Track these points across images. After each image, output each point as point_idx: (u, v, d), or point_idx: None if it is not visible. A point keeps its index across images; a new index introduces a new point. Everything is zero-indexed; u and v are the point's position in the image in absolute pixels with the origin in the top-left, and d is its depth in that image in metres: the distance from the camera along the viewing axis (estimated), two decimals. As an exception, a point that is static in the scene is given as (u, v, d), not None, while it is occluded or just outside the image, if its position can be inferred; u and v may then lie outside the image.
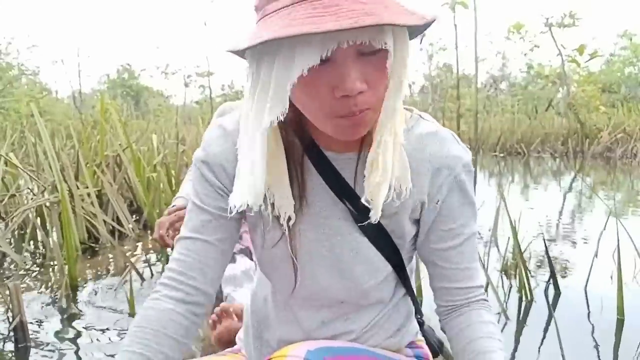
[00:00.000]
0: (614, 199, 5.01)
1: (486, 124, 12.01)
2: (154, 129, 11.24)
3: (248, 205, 0.71)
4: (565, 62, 10.54)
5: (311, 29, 0.55)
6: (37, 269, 2.84)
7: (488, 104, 19.23)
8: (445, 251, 0.80)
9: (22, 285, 2.54)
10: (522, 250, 2.25)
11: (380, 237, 0.79)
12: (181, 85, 26.16)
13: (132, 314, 2.10)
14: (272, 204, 0.75)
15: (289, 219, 0.76)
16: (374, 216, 0.72)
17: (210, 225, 0.80)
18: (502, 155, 9.97)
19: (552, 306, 2.18)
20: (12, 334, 1.86)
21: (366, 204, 0.72)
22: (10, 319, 1.89)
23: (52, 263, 2.91)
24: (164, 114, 22.39)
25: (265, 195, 0.72)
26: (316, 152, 0.77)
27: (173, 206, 1.87)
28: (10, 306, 1.87)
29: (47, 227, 3.27)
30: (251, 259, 1.74)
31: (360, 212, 0.76)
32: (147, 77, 25.60)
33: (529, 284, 2.17)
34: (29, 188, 3.66)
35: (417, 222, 0.82)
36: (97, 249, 3.17)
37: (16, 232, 3.38)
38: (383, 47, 0.61)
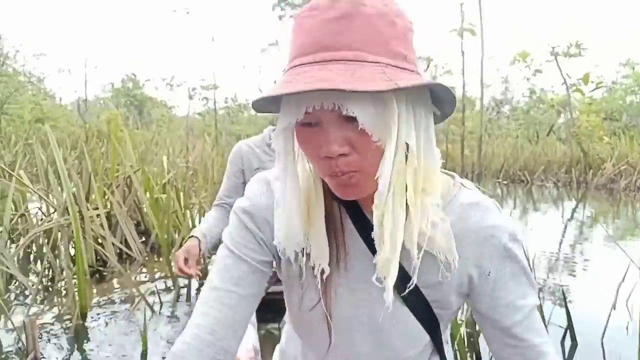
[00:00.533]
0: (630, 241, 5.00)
1: (489, 149, 12.03)
2: (157, 140, 11.27)
3: (286, 252, 0.71)
4: (570, 92, 10.58)
5: (269, 93, 0.60)
6: (45, 292, 2.81)
7: (490, 127, 19.29)
8: (512, 328, 0.75)
9: (32, 308, 2.51)
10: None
11: (421, 308, 0.77)
12: (184, 96, 26.28)
13: (145, 352, 2.07)
14: (309, 254, 0.73)
15: (323, 271, 0.74)
16: (387, 299, 0.67)
17: (248, 278, 0.77)
18: (505, 182, 9.97)
19: (569, 358, 2.16)
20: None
21: (377, 283, 0.67)
22: (24, 351, 1.87)
23: (60, 286, 2.88)
24: (166, 124, 22.44)
25: (303, 246, 0.72)
26: (357, 212, 0.75)
27: (190, 237, 1.85)
28: (24, 340, 1.84)
29: (56, 249, 3.24)
30: None
31: (401, 280, 0.72)
32: (152, 87, 25.62)
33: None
34: (38, 207, 3.63)
35: (465, 295, 0.79)
36: (105, 273, 3.13)
37: (21, 251, 3.35)
38: (347, 114, 0.60)
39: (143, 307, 2.52)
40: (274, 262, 0.82)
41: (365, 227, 0.75)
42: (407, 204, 0.66)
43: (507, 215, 0.75)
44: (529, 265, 0.77)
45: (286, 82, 0.60)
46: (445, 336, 0.87)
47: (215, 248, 1.88)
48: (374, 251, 0.71)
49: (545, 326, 2.07)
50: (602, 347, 2.22)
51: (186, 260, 1.72)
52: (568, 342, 2.25)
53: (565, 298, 2.27)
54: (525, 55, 9.37)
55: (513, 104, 23.64)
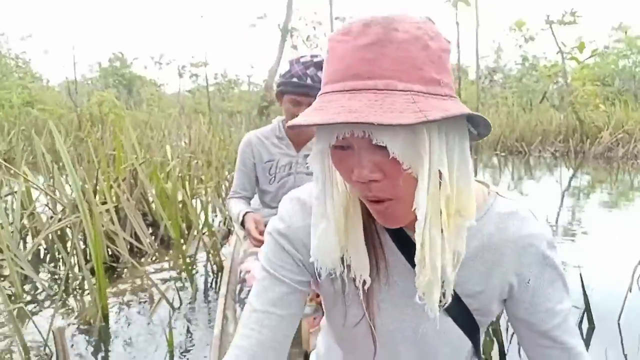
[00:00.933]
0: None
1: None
2: (151, 122, 11.15)
3: (326, 269, 0.73)
4: (564, 59, 10.54)
5: (301, 122, 0.61)
6: (59, 291, 2.80)
7: (483, 95, 19.23)
8: (549, 332, 0.79)
9: (48, 309, 2.52)
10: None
11: (463, 316, 0.80)
12: (174, 74, 25.94)
13: (171, 352, 2.09)
14: (349, 267, 0.75)
15: (364, 283, 0.75)
16: (432, 315, 0.70)
17: (287, 298, 0.79)
18: (502, 154, 10.00)
19: (586, 341, 2.21)
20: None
21: (419, 301, 0.70)
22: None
23: (75, 286, 2.88)
24: (156, 103, 22.19)
25: (343, 259, 0.74)
26: (396, 229, 0.75)
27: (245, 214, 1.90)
28: (54, 350, 1.85)
29: (67, 247, 3.23)
30: None
31: (443, 293, 0.73)
32: (140, 66, 25.25)
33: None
34: (45, 204, 3.61)
35: (503, 302, 0.81)
36: (118, 268, 3.13)
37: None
38: (377, 143, 0.61)
39: (162, 303, 2.54)
40: (312, 282, 0.83)
41: (405, 244, 0.77)
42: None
43: (543, 222, 0.77)
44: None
45: (317, 110, 0.61)
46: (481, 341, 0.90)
47: None
48: (414, 265, 0.70)
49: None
50: (619, 328, 2.26)
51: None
52: (585, 325, 2.30)
53: (582, 280, 2.30)
54: (521, 25, 9.29)
55: (505, 72, 23.54)
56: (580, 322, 2.31)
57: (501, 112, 13.79)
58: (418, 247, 0.67)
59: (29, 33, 23.25)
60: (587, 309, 2.29)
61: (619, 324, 2.29)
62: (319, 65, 1.93)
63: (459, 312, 0.79)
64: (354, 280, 0.76)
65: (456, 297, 0.76)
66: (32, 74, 21.29)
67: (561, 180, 7.14)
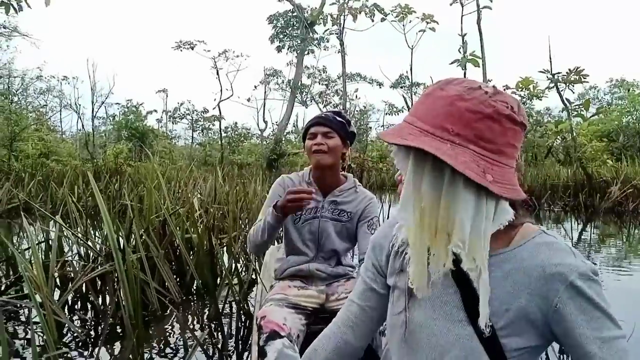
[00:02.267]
0: None
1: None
2: (165, 173, 11.35)
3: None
4: (570, 116, 10.78)
5: (383, 135, 0.89)
6: (98, 338, 2.86)
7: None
8: (588, 357, 0.83)
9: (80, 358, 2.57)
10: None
11: (490, 342, 0.86)
12: (184, 127, 26.53)
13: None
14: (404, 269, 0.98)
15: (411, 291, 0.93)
16: (420, 294, 0.91)
17: (365, 294, 1.10)
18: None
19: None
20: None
21: (410, 285, 0.92)
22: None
23: (108, 334, 2.94)
24: (168, 155, 22.60)
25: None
26: None
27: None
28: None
29: (99, 295, 3.31)
30: (281, 337, 1.74)
31: (472, 303, 0.87)
32: (153, 119, 25.88)
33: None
34: (77, 254, 3.71)
35: (539, 330, 0.87)
36: (147, 317, 3.19)
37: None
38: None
39: (196, 352, 2.59)
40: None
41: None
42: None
43: (583, 258, 0.85)
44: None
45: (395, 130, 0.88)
46: None
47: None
48: (453, 276, 0.90)
49: None
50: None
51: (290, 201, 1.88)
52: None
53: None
54: (528, 83, 9.57)
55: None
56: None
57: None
58: (410, 244, 0.88)
59: (49, 86, 23.94)
60: None
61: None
62: (336, 113, 2.15)
63: (488, 336, 0.86)
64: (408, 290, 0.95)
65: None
66: (48, 126, 21.89)
67: (572, 234, 7.19)
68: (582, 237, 6.97)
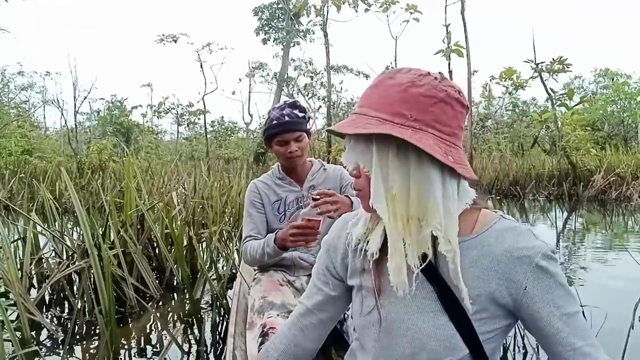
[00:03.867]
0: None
1: (478, 164, 12.24)
2: (150, 168, 11.25)
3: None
4: (555, 106, 10.83)
5: (334, 128, 0.90)
6: (68, 336, 2.81)
7: (475, 141, 19.60)
8: (555, 335, 0.86)
9: (54, 356, 2.53)
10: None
11: (460, 318, 0.88)
12: (170, 122, 26.33)
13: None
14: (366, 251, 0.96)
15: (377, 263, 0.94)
16: (400, 292, 0.88)
17: (315, 297, 1.09)
18: (497, 197, 10.14)
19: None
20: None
21: (391, 279, 0.88)
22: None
23: (84, 329, 2.89)
24: (154, 151, 22.41)
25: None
26: None
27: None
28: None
29: (75, 292, 3.26)
30: None
31: (445, 292, 0.88)
32: (138, 114, 25.63)
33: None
34: (53, 251, 3.64)
35: (508, 311, 0.90)
36: (126, 313, 3.15)
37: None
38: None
39: (172, 347, 2.56)
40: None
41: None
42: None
43: (542, 240, 0.88)
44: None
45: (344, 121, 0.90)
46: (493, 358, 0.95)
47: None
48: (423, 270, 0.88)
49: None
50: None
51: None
52: None
53: (585, 317, 2.35)
54: (511, 73, 9.59)
55: (497, 118, 24.05)
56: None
57: (494, 157, 14.04)
58: (388, 236, 0.87)
59: (30, 82, 23.58)
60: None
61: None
62: (292, 105, 2.12)
63: (457, 313, 0.88)
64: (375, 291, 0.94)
65: (454, 299, 0.87)
66: (31, 122, 21.60)
67: (556, 223, 7.24)
68: (567, 225, 7.03)
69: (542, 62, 10.33)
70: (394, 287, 0.88)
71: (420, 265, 0.85)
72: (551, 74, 10.29)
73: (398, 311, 0.92)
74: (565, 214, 8.21)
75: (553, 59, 10.30)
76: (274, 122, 2.07)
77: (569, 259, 4.76)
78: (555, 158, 11.83)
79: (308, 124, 2.16)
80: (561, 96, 10.85)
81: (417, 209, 0.84)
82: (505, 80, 9.69)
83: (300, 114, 2.09)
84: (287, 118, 2.06)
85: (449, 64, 9.30)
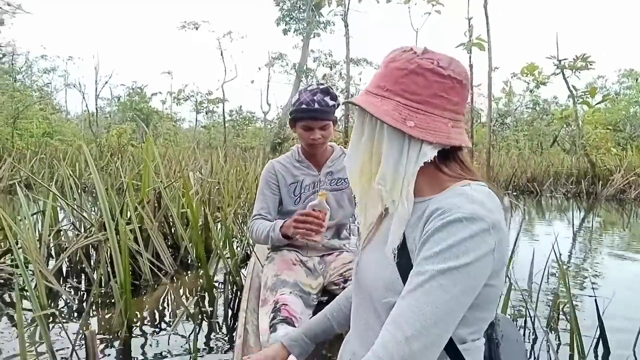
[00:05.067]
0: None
1: (496, 160, 12.14)
2: (168, 154, 11.38)
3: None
4: (576, 104, 10.68)
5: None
6: (86, 304, 2.88)
7: (494, 138, 19.42)
8: (404, 291, 0.85)
9: (72, 323, 2.59)
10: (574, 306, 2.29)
11: (403, 265, 0.91)
12: (189, 110, 26.50)
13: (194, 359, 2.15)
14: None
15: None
16: (365, 232, 1.05)
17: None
18: (514, 193, 10.05)
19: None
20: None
21: (357, 220, 1.02)
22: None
23: (100, 301, 2.96)
24: (172, 138, 22.61)
25: None
26: None
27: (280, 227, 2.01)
28: (84, 352, 1.92)
29: (91, 264, 3.33)
30: (293, 326, 1.79)
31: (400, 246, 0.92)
32: (158, 101, 25.82)
33: (581, 343, 2.22)
34: (72, 224, 3.72)
35: None
36: (140, 286, 3.21)
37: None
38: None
39: (183, 319, 2.61)
40: None
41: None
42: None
43: (479, 206, 0.84)
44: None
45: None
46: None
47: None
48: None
49: (580, 337, 2.15)
50: (635, 356, 2.29)
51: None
52: (600, 350, 2.33)
53: (597, 307, 2.34)
54: (533, 69, 9.46)
55: (516, 116, 23.77)
56: (596, 347, 2.34)
57: (512, 154, 13.89)
58: (356, 191, 1.01)
59: (53, 66, 23.90)
60: (602, 335, 2.32)
61: (634, 351, 2.31)
62: (325, 91, 2.08)
63: (407, 266, 0.89)
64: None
65: (405, 251, 0.91)
66: (52, 106, 21.91)
67: (573, 220, 7.16)
68: (585, 223, 6.95)
69: (565, 59, 10.19)
70: (361, 232, 1.05)
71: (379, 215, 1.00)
72: (574, 71, 10.14)
73: (365, 258, 1.02)
74: (583, 212, 8.11)
75: (576, 56, 10.15)
76: (303, 105, 2.04)
77: (585, 254, 4.72)
78: (575, 157, 11.67)
79: (336, 112, 2.14)
80: (583, 94, 10.69)
81: (375, 168, 0.94)
82: (526, 76, 9.56)
83: (331, 102, 2.06)
84: (316, 105, 2.03)
85: (470, 58, 9.21)
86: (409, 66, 0.92)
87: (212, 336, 2.49)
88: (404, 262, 0.90)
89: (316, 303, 2.04)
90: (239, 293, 3.05)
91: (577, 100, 10.63)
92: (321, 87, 2.09)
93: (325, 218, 1.81)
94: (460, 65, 0.95)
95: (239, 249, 4.05)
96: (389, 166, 0.92)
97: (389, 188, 0.92)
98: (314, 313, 1.96)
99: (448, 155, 0.94)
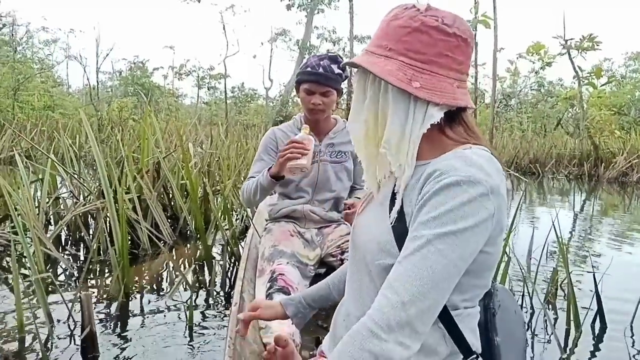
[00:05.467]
0: None
1: (499, 141, 12.08)
2: (169, 129, 11.33)
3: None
4: (581, 85, 10.58)
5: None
6: (84, 271, 2.88)
7: (497, 119, 19.31)
8: (401, 256, 0.82)
9: (69, 290, 2.60)
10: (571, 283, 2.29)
11: (399, 228, 0.88)
12: (191, 85, 26.30)
13: (190, 327, 2.15)
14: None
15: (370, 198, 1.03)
16: (372, 188, 1.00)
17: None
18: (516, 174, 10.02)
19: (598, 339, 2.23)
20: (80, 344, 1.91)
21: (363, 180, 1.01)
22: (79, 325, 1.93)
23: (98, 267, 2.96)
24: (174, 113, 22.49)
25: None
26: None
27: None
28: (80, 316, 1.92)
29: (90, 233, 3.32)
30: (288, 294, 1.78)
31: (393, 203, 0.92)
32: (160, 76, 25.66)
33: (578, 318, 2.22)
34: (70, 192, 3.71)
35: None
36: (139, 255, 3.21)
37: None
38: None
39: (181, 287, 2.62)
40: None
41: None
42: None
43: (478, 169, 0.81)
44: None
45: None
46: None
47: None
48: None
49: (577, 312, 2.15)
50: (632, 331, 2.29)
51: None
52: (597, 325, 2.33)
53: (595, 282, 2.33)
54: (539, 48, 9.35)
55: (521, 97, 23.61)
56: (593, 321, 2.34)
57: (515, 136, 13.83)
58: (361, 155, 0.97)
59: (55, 38, 23.67)
60: (600, 310, 2.32)
61: (631, 326, 2.31)
62: (333, 59, 2.04)
63: (401, 229, 0.87)
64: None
65: (401, 214, 0.88)
66: (54, 79, 21.78)
67: (574, 201, 7.15)
68: (586, 205, 6.93)
69: (571, 39, 10.06)
70: (371, 192, 1.01)
71: (384, 177, 0.95)
72: (580, 51, 10.02)
73: (364, 218, 1.01)
74: (585, 194, 8.09)
75: (583, 36, 10.02)
76: (308, 69, 2.03)
77: (585, 234, 4.71)
78: (578, 139, 11.61)
79: (343, 83, 2.10)
80: (589, 75, 10.59)
81: (381, 133, 0.90)
82: (532, 55, 9.45)
83: (337, 70, 2.03)
84: (321, 70, 2.01)
85: (475, 36, 9.09)
86: (412, 24, 0.87)
87: (209, 304, 2.50)
88: (399, 225, 0.88)
89: (313, 274, 2.04)
90: (236, 263, 3.05)
91: (583, 81, 10.52)
92: (330, 54, 2.07)
93: (310, 144, 1.77)
94: (464, 22, 0.90)
95: (237, 221, 4.04)
96: (395, 129, 0.88)
97: (394, 152, 0.89)
98: (311, 284, 1.96)
99: (453, 117, 0.91)
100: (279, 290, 1.78)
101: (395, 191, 0.93)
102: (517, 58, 20.17)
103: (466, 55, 0.91)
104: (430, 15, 0.88)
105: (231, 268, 3.05)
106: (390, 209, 0.92)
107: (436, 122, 0.87)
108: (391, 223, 0.89)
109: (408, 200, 0.89)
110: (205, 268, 3.03)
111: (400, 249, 0.86)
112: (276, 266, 1.91)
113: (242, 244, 3.27)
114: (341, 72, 2.06)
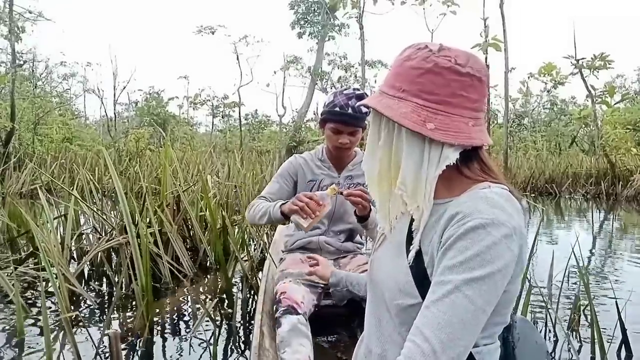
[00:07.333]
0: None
1: (514, 161, 12.03)
2: (185, 158, 11.48)
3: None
4: (595, 104, 10.54)
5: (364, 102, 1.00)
6: (109, 306, 2.92)
7: (510, 139, 19.23)
8: (428, 300, 0.83)
9: (93, 326, 2.64)
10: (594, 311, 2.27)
11: (418, 267, 0.90)
12: (205, 114, 26.72)
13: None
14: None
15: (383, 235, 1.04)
16: (387, 229, 1.02)
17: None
18: (532, 195, 9.95)
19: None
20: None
21: (377, 220, 1.04)
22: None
23: (120, 303, 3.00)
24: (189, 142, 22.76)
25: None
26: None
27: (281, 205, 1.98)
28: (108, 354, 1.95)
29: (113, 267, 3.38)
30: (297, 313, 1.78)
31: (410, 242, 0.93)
32: (174, 106, 26.09)
33: (603, 346, 2.20)
34: (93, 227, 3.78)
35: None
36: (161, 289, 3.25)
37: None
38: None
39: (204, 321, 2.65)
40: None
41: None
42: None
43: (500, 210, 0.82)
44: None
45: None
46: None
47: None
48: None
49: (601, 340, 2.13)
50: (658, 358, 2.26)
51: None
52: (623, 353, 2.31)
53: (619, 310, 2.32)
54: (551, 69, 9.37)
55: (534, 116, 23.53)
56: (619, 350, 2.32)
57: (530, 155, 13.76)
58: (371, 192, 1.00)
59: (72, 72, 24.30)
60: (624, 338, 2.30)
61: (657, 354, 2.29)
62: (360, 97, 2.04)
63: (418, 268, 0.89)
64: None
65: (419, 253, 0.90)
66: (72, 112, 22.25)
67: (592, 222, 7.07)
68: (604, 224, 6.85)
69: (583, 59, 10.08)
70: (383, 231, 1.03)
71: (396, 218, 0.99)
72: (592, 70, 10.02)
73: (380, 254, 1.03)
74: (603, 213, 8.00)
75: (594, 55, 10.03)
76: (337, 108, 2.02)
77: (605, 256, 4.66)
78: (594, 157, 11.52)
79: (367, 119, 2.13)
80: (602, 93, 10.56)
81: (395, 173, 0.92)
82: (544, 76, 9.47)
83: (364, 109, 2.03)
84: (350, 110, 2.00)
85: (486, 58, 9.16)
86: (425, 65, 0.88)
87: (230, 339, 2.52)
88: (417, 265, 0.90)
89: (322, 289, 1.97)
90: (256, 296, 3.07)
91: (596, 100, 10.49)
92: (357, 92, 2.04)
93: (321, 210, 1.79)
94: (478, 60, 0.91)
95: (255, 251, 4.08)
96: (410, 171, 0.89)
97: (410, 193, 0.90)
98: (319, 298, 1.96)
99: (469, 155, 0.91)
100: (285, 311, 1.77)
101: (412, 229, 0.94)
102: (529, 78, 20.21)
103: (481, 94, 0.91)
104: (443, 56, 0.88)
105: (251, 300, 3.08)
106: (407, 248, 0.93)
107: (452, 163, 0.88)
108: (409, 263, 0.91)
109: (427, 240, 0.90)
110: (227, 301, 3.05)
111: (419, 290, 0.88)
112: (279, 286, 1.91)
113: (260, 275, 3.30)
114: (368, 110, 2.09)
